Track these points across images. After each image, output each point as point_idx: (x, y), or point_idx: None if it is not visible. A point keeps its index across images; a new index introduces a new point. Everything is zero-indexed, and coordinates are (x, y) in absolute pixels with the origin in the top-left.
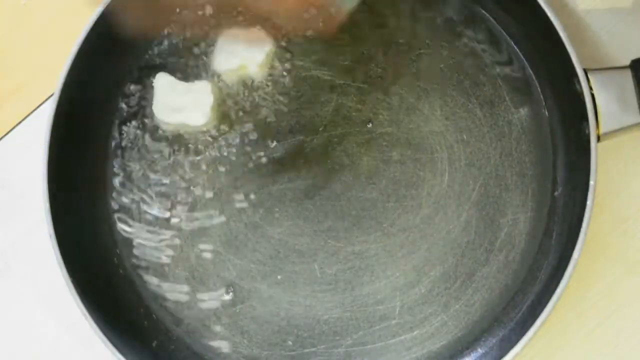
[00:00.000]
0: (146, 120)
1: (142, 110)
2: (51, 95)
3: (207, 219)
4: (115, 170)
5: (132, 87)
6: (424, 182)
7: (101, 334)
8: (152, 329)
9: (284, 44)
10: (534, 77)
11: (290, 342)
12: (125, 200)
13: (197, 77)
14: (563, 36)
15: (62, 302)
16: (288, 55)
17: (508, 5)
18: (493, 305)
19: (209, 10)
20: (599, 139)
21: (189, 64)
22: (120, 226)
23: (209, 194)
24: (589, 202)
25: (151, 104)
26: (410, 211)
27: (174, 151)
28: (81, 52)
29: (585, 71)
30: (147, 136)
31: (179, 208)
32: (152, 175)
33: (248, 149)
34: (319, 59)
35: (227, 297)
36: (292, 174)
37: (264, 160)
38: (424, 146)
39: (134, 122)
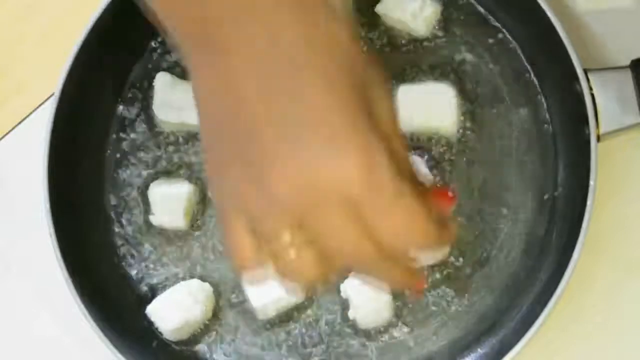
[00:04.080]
0: (147, 120)
1: (142, 110)
2: (51, 95)
3: (208, 218)
4: (115, 169)
5: (132, 87)
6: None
7: (101, 334)
8: (152, 329)
9: None
10: (534, 78)
11: (290, 342)
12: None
13: None
14: (563, 36)
15: (62, 302)
16: None
17: (508, 5)
18: (493, 305)
19: None
20: (599, 139)
21: None
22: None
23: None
24: (589, 202)
25: (152, 104)
26: None
27: (174, 150)
28: (81, 52)
29: (585, 71)
30: (147, 135)
31: None
32: (152, 175)
33: None
34: None
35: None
36: None
37: None
38: (423, 146)
39: (134, 122)
